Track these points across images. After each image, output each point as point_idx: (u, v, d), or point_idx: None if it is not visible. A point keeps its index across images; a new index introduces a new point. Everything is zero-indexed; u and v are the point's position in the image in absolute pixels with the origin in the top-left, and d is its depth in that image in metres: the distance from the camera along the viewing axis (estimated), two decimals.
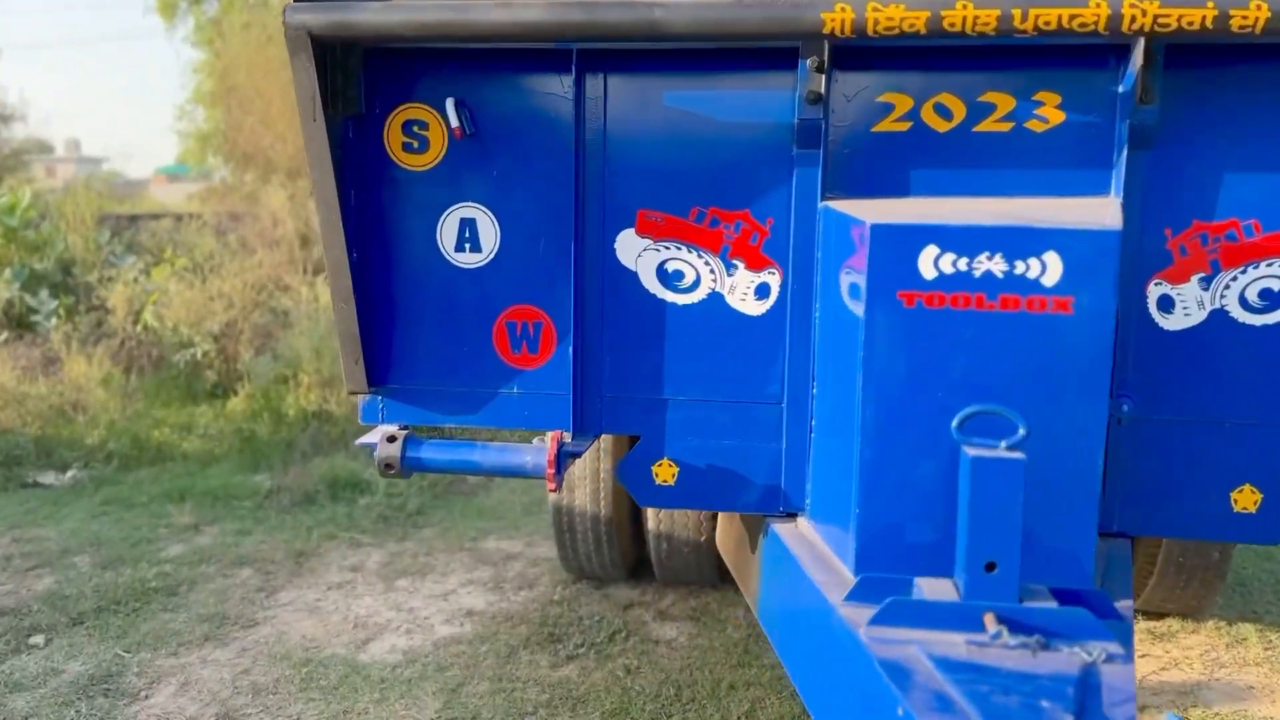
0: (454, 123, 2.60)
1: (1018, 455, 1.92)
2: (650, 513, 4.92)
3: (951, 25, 2.13)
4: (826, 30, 2.18)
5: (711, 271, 2.62)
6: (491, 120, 2.65)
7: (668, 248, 2.63)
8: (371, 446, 2.68)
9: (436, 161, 2.70)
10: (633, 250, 2.65)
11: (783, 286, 2.59)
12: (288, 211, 9.57)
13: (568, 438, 2.69)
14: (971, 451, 1.96)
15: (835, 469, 2.37)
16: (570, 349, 2.69)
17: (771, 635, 2.63)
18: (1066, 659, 1.83)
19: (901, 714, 1.71)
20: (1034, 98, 2.43)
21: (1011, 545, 1.92)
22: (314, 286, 8.85)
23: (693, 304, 2.64)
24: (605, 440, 4.84)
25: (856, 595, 2.09)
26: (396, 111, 2.68)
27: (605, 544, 4.91)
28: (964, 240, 2.07)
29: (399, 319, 2.74)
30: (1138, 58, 2.28)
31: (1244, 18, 2.03)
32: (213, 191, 12.95)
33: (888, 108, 2.49)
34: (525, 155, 2.66)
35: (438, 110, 2.67)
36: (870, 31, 2.17)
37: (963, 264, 2.09)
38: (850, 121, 2.47)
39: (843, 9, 2.16)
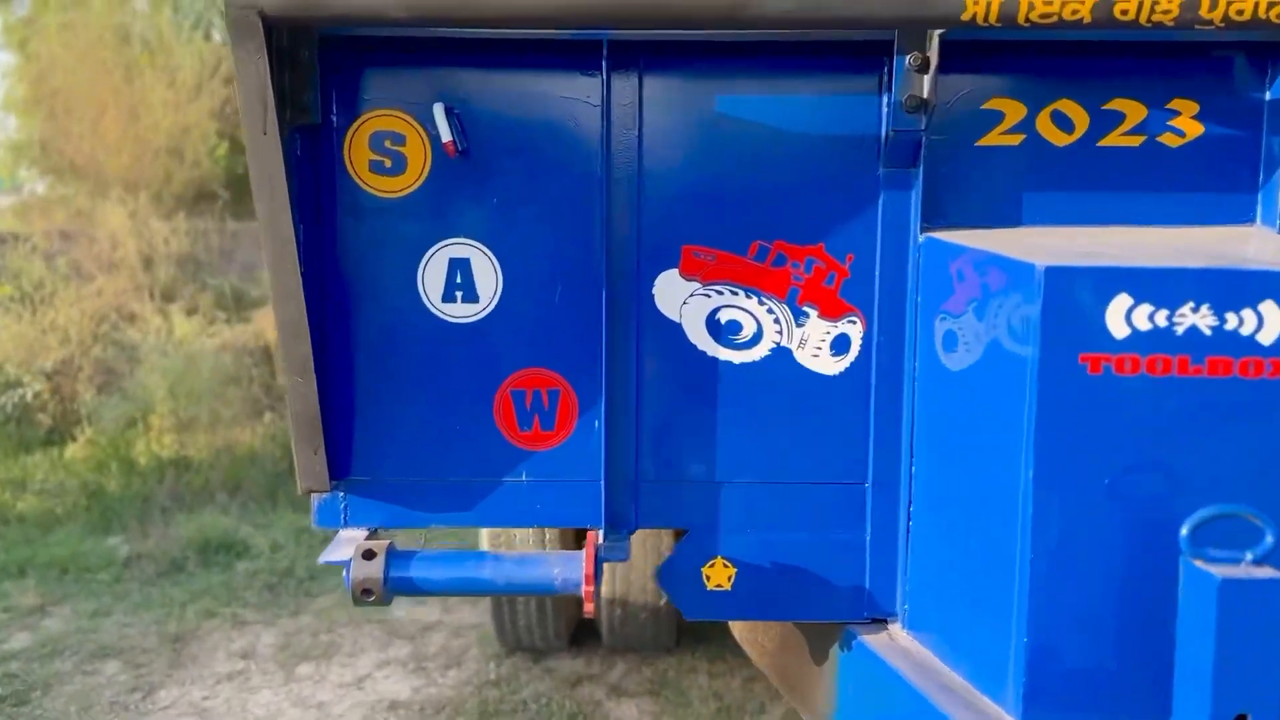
0: (445, 136, 1.98)
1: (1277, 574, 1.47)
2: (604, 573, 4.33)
3: (1124, 14, 1.66)
4: (965, 17, 1.68)
5: (776, 321, 2.08)
6: (490, 132, 2.04)
7: (720, 292, 2.08)
8: (341, 565, 2.01)
9: (416, 185, 2.06)
10: (677, 296, 2.09)
11: (865, 338, 2.08)
12: (128, 231, 8.47)
13: (599, 536, 2.10)
14: (1217, 571, 1.49)
15: (964, 573, 1.87)
16: (599, 422, 2.11)
17: None
18: None
19: None
20: (1168, 106, 2.00)
21: (1272, 691, 1.46)
22: (167, 316, 7.83)
23: (753, 362, 2.10)
24: None
25: None
26: (362, 121, 2.04)
27: (551, 611, 4.30)
28: (1164, 288, 1.61)
29: (368, 391, 2.10)
30: None
31: None
32: (29, 207, 11.53)
33: (995, 117, 2.02)
34: (536, 177, 2.06)
35: (418, 120, 2.04)
36: (1022, 20, 1.68)
37: (1161, 318, 1.62)
38: (950, 134, 1.99)
39: None
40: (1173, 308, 1.62)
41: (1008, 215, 2.05)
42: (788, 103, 2.03)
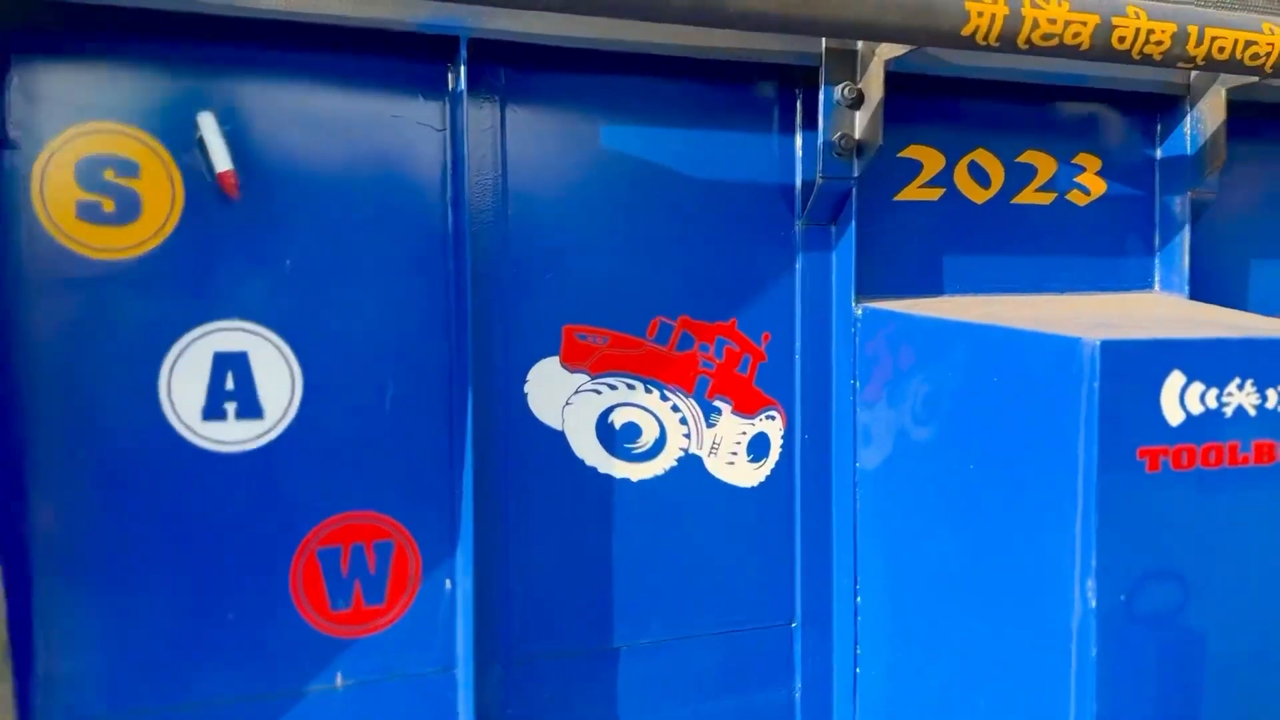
0: (222, 164, 1.28)
1: None
2: None
3: (1121, 41, 1.41)
4: (966, 32, 1.33)
5: (683, 422, 1.58)
6: (281, 164, 1.36)
7: (614, 387, 1.54)
8: None
9: (159, 240, 1.31)
10: (558, 394, 1.51)
11: (787, 437, 1.64)
12: None
13: None
14: None
15: None
16: (451, 581, 1.46)
17: None
18: None
19: None
20: (1074, 161, 1.81)
21: None
22: None
23: (656, 478, 1.57)
24: None
25: None
26: (62, 141, 1.26)
27: None
28: (1214, 363, 1.34)
29: (70, 576, 1.28)
30: (1213, 109, 1.77)
31: None
32: None
33: (914, 167, 1.70)
34: (352, 231, 1.40)
35: (162, 140, 1.30)
36: (1023, 41, 1.37)
37: (1212, 399, 1.34)
38: (866, 186, 1.63)
39: (995, 2, 1.33)
40: (1222, 386, 1.35)
41: (927, 282, 1.72)
42: (690, 138, 1.57)
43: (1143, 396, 1.31)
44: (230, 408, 1.34)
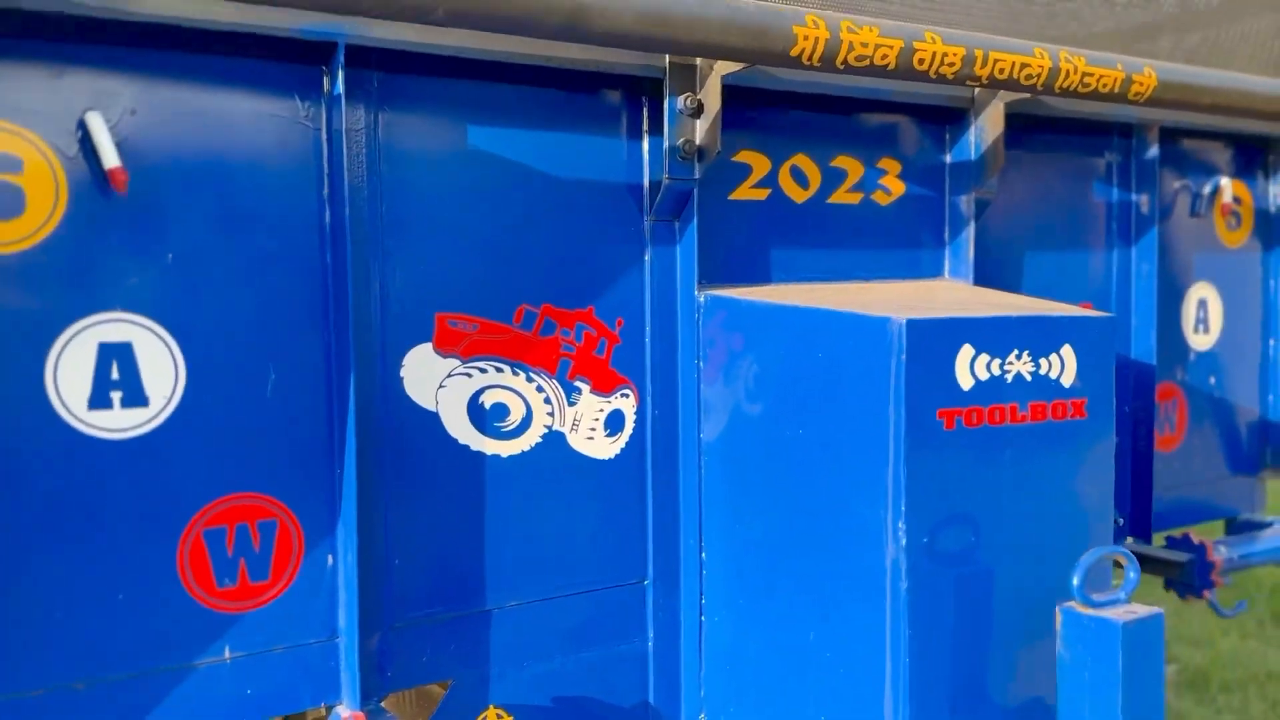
0: (111, 160, 1.33)
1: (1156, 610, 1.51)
2: None
3: (921, 63, 1.66)
4: (794, 52, 1.54)
5: (547, 401, 1.72)
6: (163, 159, 1.41)
7: (484, 370, 1.67)
8: None
9: (43, 235, 1.35)
10: (431, 378, 1.62)
11: (639, 413, 1.81)
12: None
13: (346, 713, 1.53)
14: (1114, 615, 1.48)
15: (805, 665, 1.68)
16: (333, 556, 1.55)
17: None
18: None
19: None
20: (878, 165, 2.06)
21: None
22: None
23: (523, 453, 1.71)
24: None
25: None
26: None
27: None
28: (997, 337, 1.60)
29: None
30: (993, 121, 2.06)
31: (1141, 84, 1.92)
32: None
33: (744, 170, 1.90)
34: (233, 224, 1.47)
35: (44, 137, 1.34)
36: (839, 61, 1.59)
37: (996, 368, 1.61)
38: (705, 186, 1.83)
39: (816, 24, 1.54)
40: (1004, 356, 1.61)
41: (757, 271, 1.93)
42: (549, 140, 1.71)
43: (940, 366, 1.56)
44: (116, 396, 1.39)
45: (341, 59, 1.47)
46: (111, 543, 1.40)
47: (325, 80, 1.51)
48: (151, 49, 1.39)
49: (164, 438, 1.42)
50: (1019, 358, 1.63)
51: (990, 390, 1.61)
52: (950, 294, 1.99)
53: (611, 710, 1.80)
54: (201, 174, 1.43)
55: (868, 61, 1.61)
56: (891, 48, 1.62)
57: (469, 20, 1.28)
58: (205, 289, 1.44)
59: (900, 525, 1.53)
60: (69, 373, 1.36)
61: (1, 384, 1.32)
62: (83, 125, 1.34)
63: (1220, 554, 2.47)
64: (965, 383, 1.58)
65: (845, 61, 1.60)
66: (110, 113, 1.35)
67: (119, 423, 1.39)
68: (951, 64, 1.69)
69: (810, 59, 1.56)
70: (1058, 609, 1.55)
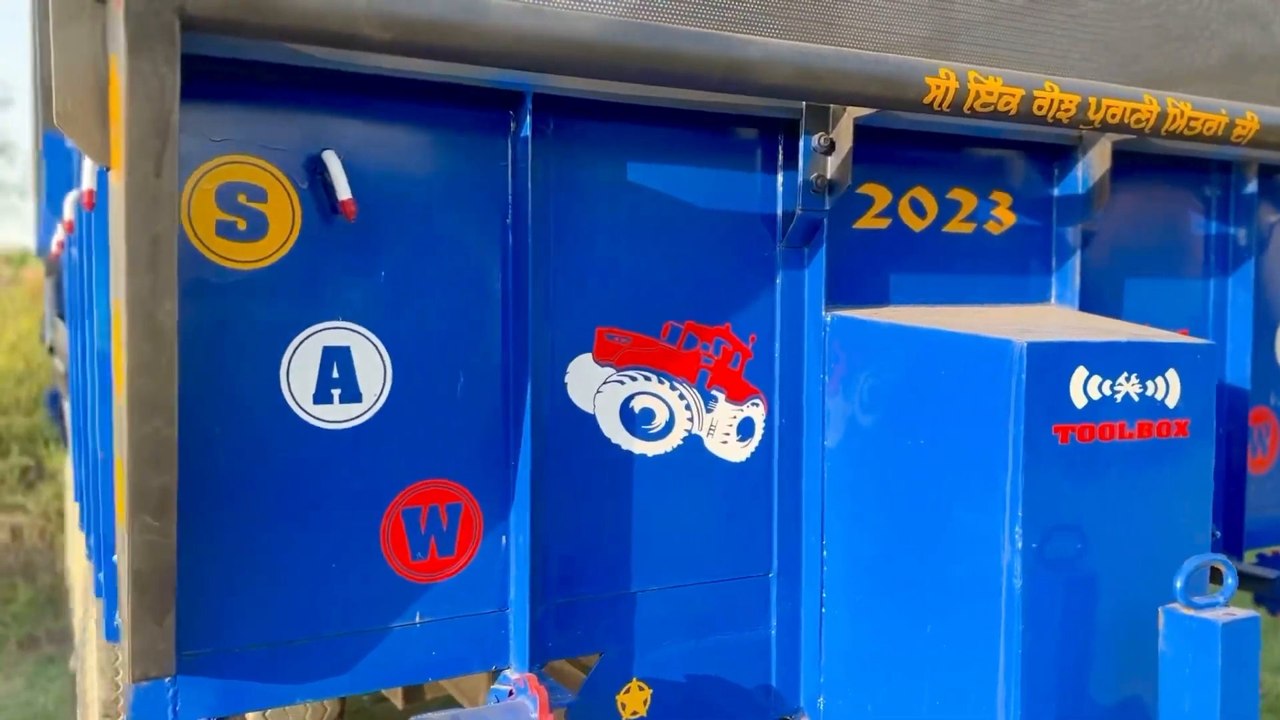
0: (344, 193, 1.56)
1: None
2: None
3: (1040, 109, 1.82)
4: (927, 100, 1.72)
5: (688, 407, 1.92)
6: (379, 191, 1.65)
7: (634, 378, 1.87)
8: None
9: (280, 254, 1.59)
10: (590, 384, 1.83)
11: (768, 421, 2.00)
12: None
13: (521, 679, 1.74)
14: (1215, 616, 1.63)
15: (922, 655, 1.84)
16: (507, 538, 1.77)
17: None
18: None
19: None
20: (991, 196, 2.22)
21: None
22: None
23: (665, 454, 1.91)
24: None
25: None
26: (206, 169, 1.52)
27: None
28: (1109, 360, 1.75)
29: (212, 529, 1.54)
30: (1100, 158, 2.21)
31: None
32: None
33: (867, 201, 2.08)
34: (433, 247, 1.70)
35: (284, 170, 1.58)
36: (966, 108, 1.76)
37: (1106, 388, 1.76)
38: (832, 216, 2.00)
39: (947, 75, 1.72)
40: (1114, 377, 1.76)
41: (877, 294, 2.10)
42: (696, 175, 1.91)
43: (1057, 385, 1.72)
44: (335, 393, 1.62)
45: (529, 105, 1.68)
46: (329, 517, 1.63)
47: (513, 123, 1.73)
48: (372, 97, 1.63)
49: (373, 429, 1.65)
50: (1128, 379, 1.79)
51: (1101, 409, 1.76)
52: (1059, 319, 2.14)
53: (737, 690, 1.99)
54: (408, 203, 1.66)
55: (992, 108, 1.78)
56: (1014, 95, 1.79)
57: (660, 77, 1.49)
58: (409, 303, 1.67)
59: (1017, 530, 1.69)
60: (299, 371, 1.60)
61: (245, 379, 1.56)
62: (319, 161, 1.57)
63: None
64: (1079, 401, 1.74)
65: (971, 107, 1.77)
66: (340, 151, 1.59)
67: (337, 415, 1.63)
68: (1067, 110, 1.86)
69: (940, 106, 1.74)
70: (1160, 610, 1.70)
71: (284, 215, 1.58)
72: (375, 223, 1.64)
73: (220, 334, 1.54)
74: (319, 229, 1.60)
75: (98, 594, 2.42)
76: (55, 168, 2.84)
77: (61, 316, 3.88)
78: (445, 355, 1.70)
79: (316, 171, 1.59)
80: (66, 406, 3.88)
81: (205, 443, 1.53)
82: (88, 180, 1.76)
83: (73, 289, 2.84)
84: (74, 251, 2.93)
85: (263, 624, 1.59)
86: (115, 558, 1.82)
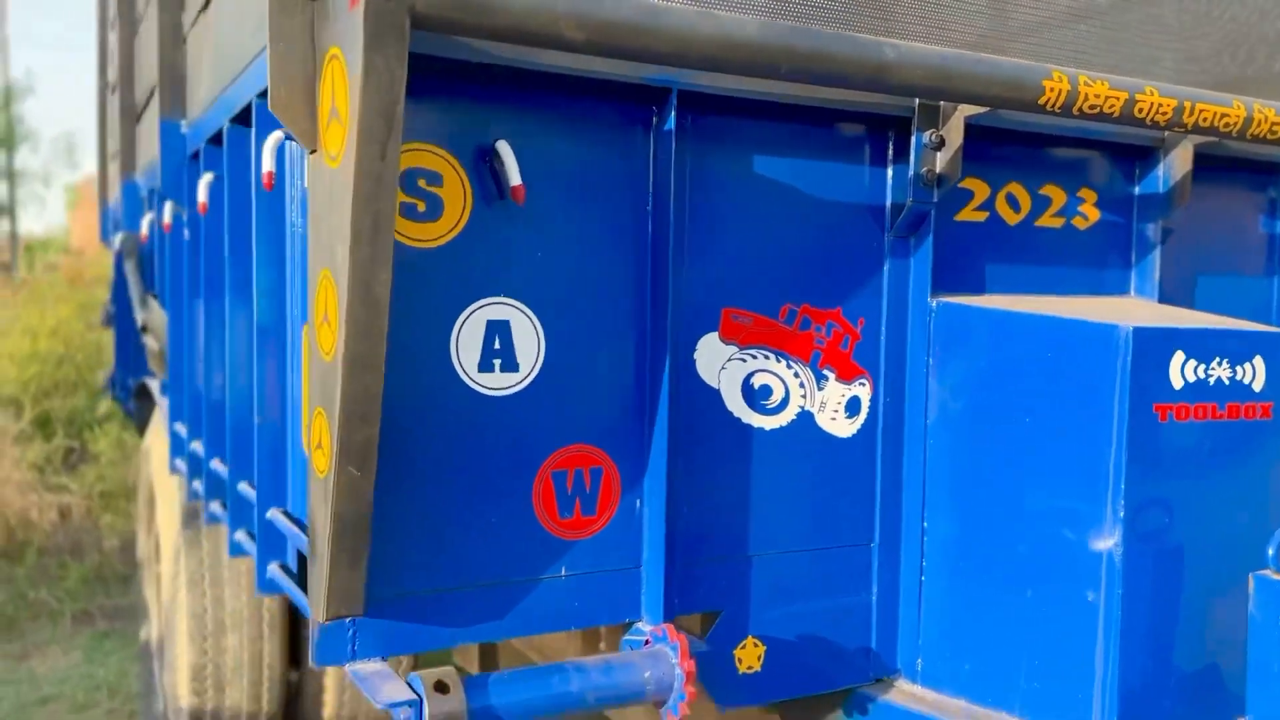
0: (515, 179, 1.70)
1: None
2: (329, 695, 3.85)
3: (1140, 111, 1.95)
4: (1042, 101, 1.85)
5: (801, 385, 2.06)
6: (536, 178, 1.79)
7: (755, 356, 2.01)
8: (403, 707, 1.57)
9: (453, 235, 1.73)
10: (715, 361, 1.98)
11: (873, 400, 2.14)
12: None
13: (659, 629, 1.88)
14: None
15: (1018, 618, 1.98)
16: (640, 501, 1.91)
17: None
18: None
19: None
20: (1078, 194, 2.35)
21: None
22: None
23: (781, 428, 2.05)
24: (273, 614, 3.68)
25: None
26: None
27: None
28: (1204, 346, 1.89)
29: (392, 481, 1.69)
30: (1181, 160, 2.34)
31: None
32: None
33: (967, 195, 2.22)
34: (583, 231, 1.84)
35: (458, 157, 1.72)
36: (1075, 109, 1.89)
37: (1201, 372, 1.90)
38: (939, 207, 2.14)
39: (1060, 79, 1.86)
40: (1208, 362, 1.90)
41: (974, 282, 2.24)
42: (813, 168, 2.05)
43: (1158, 367, 1.85)
44: (497, 362, 1.77)
45: (674, 101, 1.82)
46: (490, 476, 1.77)
47: (655, 118, 1.87)
48: (535, 91, 1.77)
49: (528, 396, 1.80)
50: (1219, 364, 1.92)
51: (1196, 390, 1.90)
52: (1147, 309, 2.27)
53: (840, 651, 2.13)
54: (561, 190, 1.81)
55: (1098, 110, 1.92)
56: (1118, 98, 1.93)
57: (809, 75, 1.63)
58: (562, 282, 1.82)
59: (1120, 502, 1.83)
60: (467, 341, 1.74)
61: (420, 348, 1.71)
62: (490, 150, 1.72)
63: None
64: (1176, 383, 1.88)
65: (1080, 108, 1.90)
66: (511, 140, 1.73)
67: (498, 383, 1.77)
68: (1165, 113, 1.99)
69: (1054, 106, 1.87)
70: (1251, 576, 1.83)
71: (456, 199, 1.72)
72: (533, 208, 1.78)
73: (401, 306, 1.68)
74: (485, 212, 1.75)
75: (233, 553, 2.57)
76: (170, 151, 2.99)
77: (153, 295, 4.04)
78: (591, 331, 1.85)
79: (485, 159, 1.74)
80: (154, 384, 4.03)
81: (387, 404, 1.68)
82: (268, 163, 1.91)
83: (192, 266, 2.99)
84: (186, 232, 3.09)
85: (430, 571, 1.74)
86: (274, 512, 1.98)
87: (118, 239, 5.16)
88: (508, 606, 1.81)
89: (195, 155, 2.90)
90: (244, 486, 2.44)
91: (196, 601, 3.54)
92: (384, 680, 1.62)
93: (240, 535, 2.53)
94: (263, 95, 2.05)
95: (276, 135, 1.92)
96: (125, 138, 4.45)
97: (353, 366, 1.45)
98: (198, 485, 3.12)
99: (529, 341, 1.80)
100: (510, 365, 1.78)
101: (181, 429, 3.40)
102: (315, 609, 1.61)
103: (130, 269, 4.31)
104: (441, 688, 1.57)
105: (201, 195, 2.63)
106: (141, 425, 5.36)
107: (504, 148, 1.70)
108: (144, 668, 4.62)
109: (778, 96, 1.94)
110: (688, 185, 1.92)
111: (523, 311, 1.79)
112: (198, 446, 3.05)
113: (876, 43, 1.69)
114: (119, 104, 4.48)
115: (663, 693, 1.76)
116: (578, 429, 1.85)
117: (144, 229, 4.05)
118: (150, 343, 3.71)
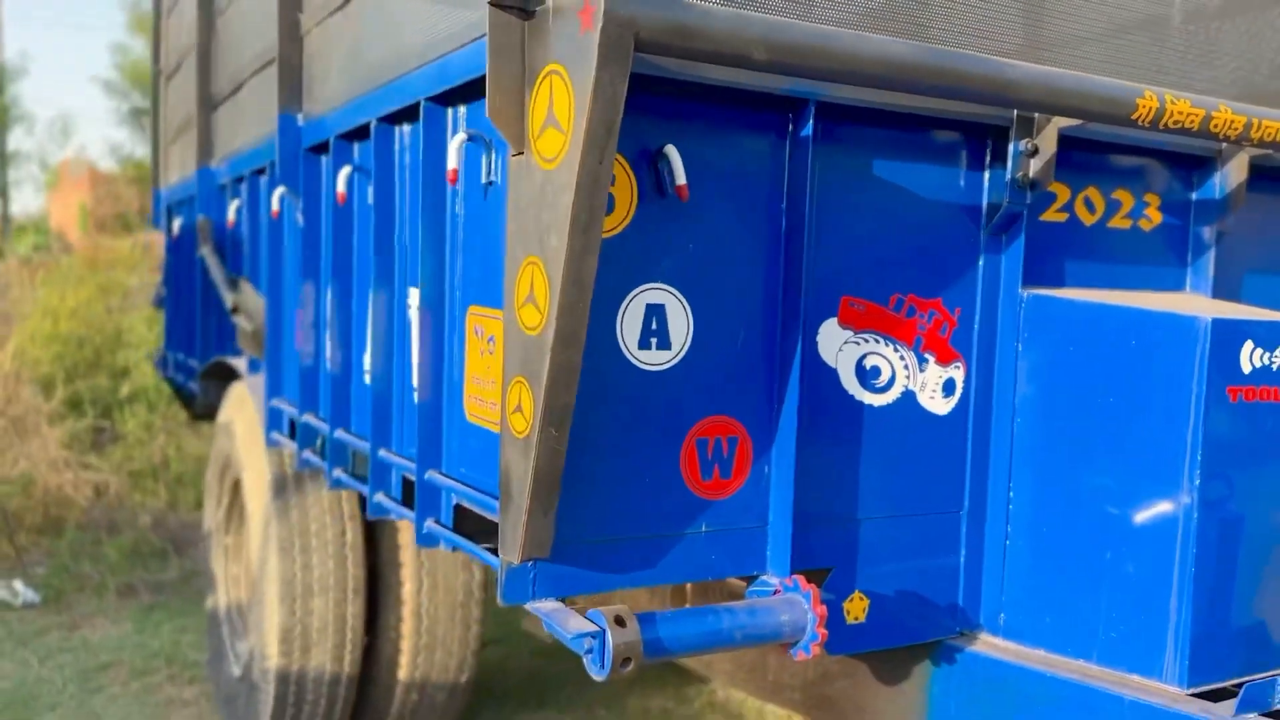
0: (680, 179, 1.93)
1: None
2: (405, 658, 4.08)
3: (1216, 127, 2.20)
4: (1134, 116, 2.09)
5: (906, 367, 2.30)
6: (692, 178, 2.01)
7: (867, 340, 2.25)
8: (587, 638, 1.81)
9: (622, 227, 1.96)
10: (834, 343, 2.21)
11: (966, 382, 2.38)
12: None
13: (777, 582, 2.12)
14: None
15: (1097, 576, 2.22)
16: (768, 467, 2.15)
17: None
18: None
19: None
20: (1144, 198, 2.60)
21: None
22: None
23: (887, 405, 2.29)
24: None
25: (1245, 706, 2.00)
26: None
27: (341, 712, 3.95)
28: (1270, 336, 2.13)
29: (585, 445, 1.92)
30: (1237, 169, 2.58)
31: None
32: None
33: (1051, 197, 2.46)
34: (726, 225, 2.07)
35: (627, 158, 1.95)
36: (1161, 124, 2.13)
37: (1267, 359, 2.14)
38: (1029, 208, 2.38)
39: (1150, 96, 2.10)
40: (1273, 350, 2.15)
41: (1055, 277, 2.48)
42: (920, 170, 2.28)
43: (1231, 354, 2.10)
44: (653, 340, 2.00)
45: (812, 111, 2.06)
46: (645, 440, 2.00)
47: (791, 125, 2.10)
48: (691, 100, 2.00)
49: (678, 372, 2.03)
50: None
51: (1263, 375, 2.14)
52: (1208, 304, 2.52)
53: (932, 607, 2.37)
54: (711, 189, 2.04)
55: (1180, 125, 2.16)
56: (1198, 115, 2.17)
57: (942, 91, 1.86)
58: (709, 271, 2.05)
59: (1196, 473, 2.07)
60: (630, 322, 1.97)
61: (593, 328, 1.93)
62: (657, 153, 1.94)
63: None
64: (1246, 368, 2.12)
65: (1164, 124, 2.14)
66: (662, 143, 1.96)
67: (654, 359, 2.00)
68: (1236, 128, 2.23)
69: (1145, 121, 2.11)
70: None
71: (625, 196, 1.95)
72: (687, 204, 2.01)
73: None
74: (646, 208, 1.98)
75: (373, 513, 2.79)
76: (287, 141, 3.20)
77: (243, 278, 4.24)
78: (732, 315, 2.08)
79: (647, 160, 1.96)
80: (239, 362, 4.24)
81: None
82: (453, 160, 2.12)
83: (311, 252, 3.20)
84: (300, 218, 3.30)
85: (595, 523, 1.97)
86: (432, 472, 2.18)
87: (177, 223, 5.34)
88: (657, 557, 2.04)
89: (317, 147, 3.12)
90: (384, 453, 2.66)
91: (287, 567, 3.75)
92: (567, 616, 1.86)
93: (380, 497, 2.75)
94: (432, 99, 2.27)
95: (460, 136, 2.14)
96: (202, 127, 4.65)
97: (561, 340, 1.68)
98: (309, 454, 3.33)
99: (680, 323, 2.03)
100: (664, 344, 2.01)
101: (282, 404, 3.61)
102: (510, 552, 1.83)
103: (208, 253, 4.50)
104: (620, 621, 1.80)
105: (340, 186, 2.85)
106: (202, 403, 5.54)
107: (672, 151, 1.93)
108: (212, 634, 4.83)
109: (894, 106, 2.18)
110: (816, 185, 2.15)
111: (676, 296, 2.02)
112: (312, 419, 3.26)
113: (999, 63, 1.92)
114: (196, 94, 4.67)
115: (796, 634, 2.00)
116: (718, 401, 2.08)
117: (230, 215, 4.25)
118: (243, 323, 3.91)
